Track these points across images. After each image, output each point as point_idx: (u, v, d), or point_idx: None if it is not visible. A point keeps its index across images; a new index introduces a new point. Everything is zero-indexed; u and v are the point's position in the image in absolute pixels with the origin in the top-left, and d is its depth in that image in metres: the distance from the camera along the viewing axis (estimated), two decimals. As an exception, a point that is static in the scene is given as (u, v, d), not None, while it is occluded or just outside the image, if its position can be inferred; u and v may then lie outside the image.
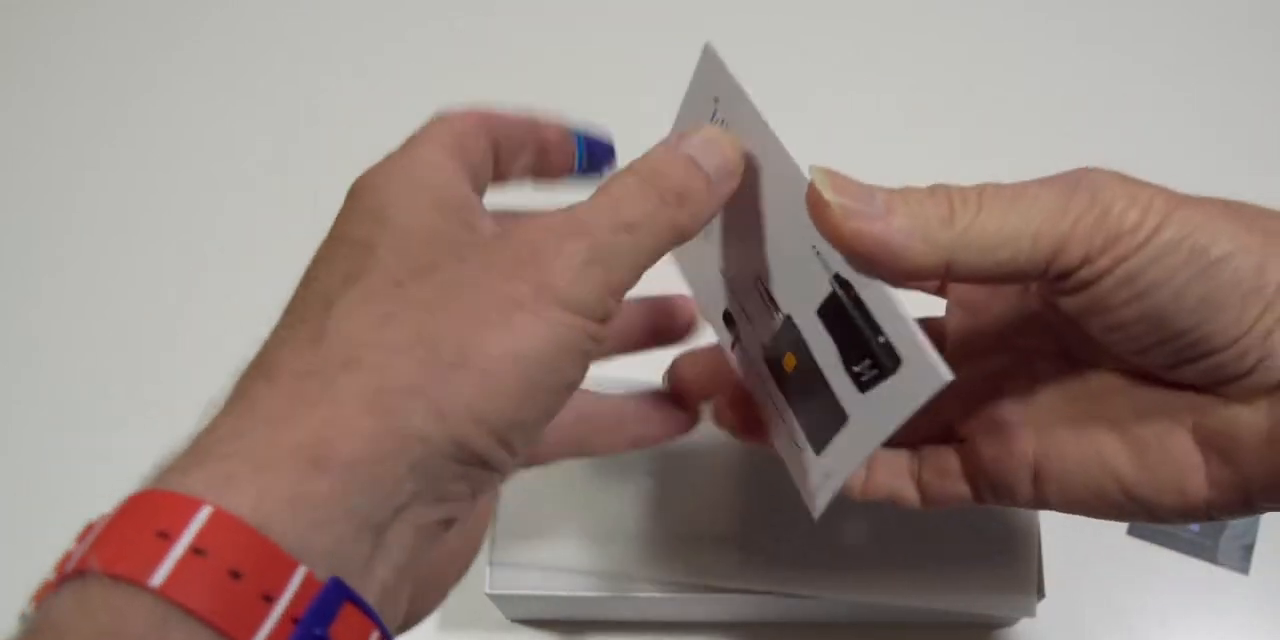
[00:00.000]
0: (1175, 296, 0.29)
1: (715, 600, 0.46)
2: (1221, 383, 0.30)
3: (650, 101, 0.66)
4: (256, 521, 0.23)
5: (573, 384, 0.28)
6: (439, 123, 0.31)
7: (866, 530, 0.46)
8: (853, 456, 0.30)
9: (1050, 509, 0.34)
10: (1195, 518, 0.32)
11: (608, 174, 0.33)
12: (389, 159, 0.30)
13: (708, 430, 0.48)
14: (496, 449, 0.26)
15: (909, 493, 0.36)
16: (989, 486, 0.34)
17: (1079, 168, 0.30)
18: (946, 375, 0.26)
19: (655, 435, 0.38)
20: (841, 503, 0.46)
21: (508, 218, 0.30)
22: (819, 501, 0.32)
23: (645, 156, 0.30)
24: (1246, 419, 0.30)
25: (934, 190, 0.30)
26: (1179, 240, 0.28)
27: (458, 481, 0.27)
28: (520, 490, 0.46)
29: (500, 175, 0.32)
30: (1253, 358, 0.29)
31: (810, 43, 0.68)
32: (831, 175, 0.30)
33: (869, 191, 0.29)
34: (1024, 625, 0.49)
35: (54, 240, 0.63)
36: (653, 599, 0.46)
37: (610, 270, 0.28)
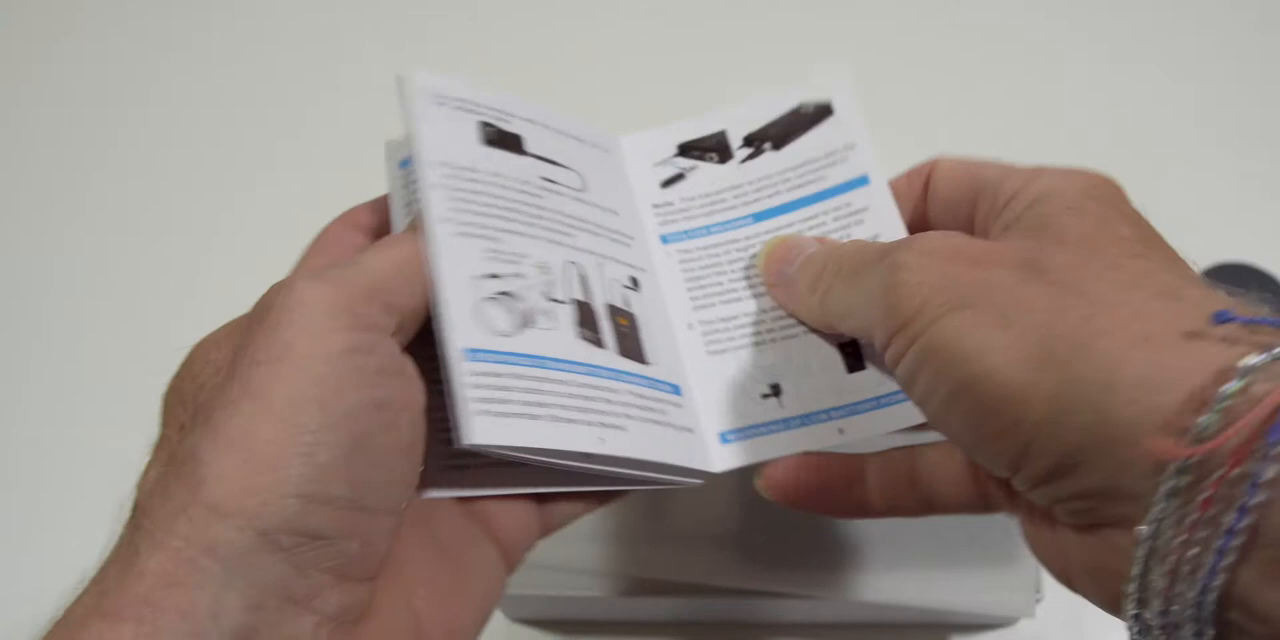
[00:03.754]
0: (946, 404, 0.26)
1: (715, 601, 0.46)
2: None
3: (647, 101, 0.67)
4: None
5: (363, 403, 0.26)
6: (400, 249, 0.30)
7: (866, 530, 0.46)
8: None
9: None
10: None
11: None
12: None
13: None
14: (308, 516, 0.25)
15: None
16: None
17: (915, 236, 0.29)
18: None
19: None
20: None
21: None
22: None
23: None
24: (1074, 545, 0.26)
25: (815, 259, 0.32)
26: (935, 348, 0.26)
27: (293, 574, 0.25)
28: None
29: None
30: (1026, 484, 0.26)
31: (811, 42, 0.68)
32: (773, 245, 0.34)
33: (790, 258, 0.33)
34: (1024, 625, 0.49)
35: (54, 240, 0.63)
36: (653, 600, 0.46)
37: None
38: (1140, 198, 0.64)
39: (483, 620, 0.31)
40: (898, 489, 0.32)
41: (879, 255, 0.29)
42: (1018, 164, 0.31)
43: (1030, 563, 0.45)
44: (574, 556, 0.46)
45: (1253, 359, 0.21)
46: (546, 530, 0.34)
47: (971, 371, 0.25)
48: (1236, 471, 0.21)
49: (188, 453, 0.25)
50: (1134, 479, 0.23)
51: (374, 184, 0.71)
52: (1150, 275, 0.25)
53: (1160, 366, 0.22)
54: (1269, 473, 0.21)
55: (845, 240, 0.34)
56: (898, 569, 0.45)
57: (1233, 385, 0.21)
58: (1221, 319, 0.23)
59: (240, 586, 0.24)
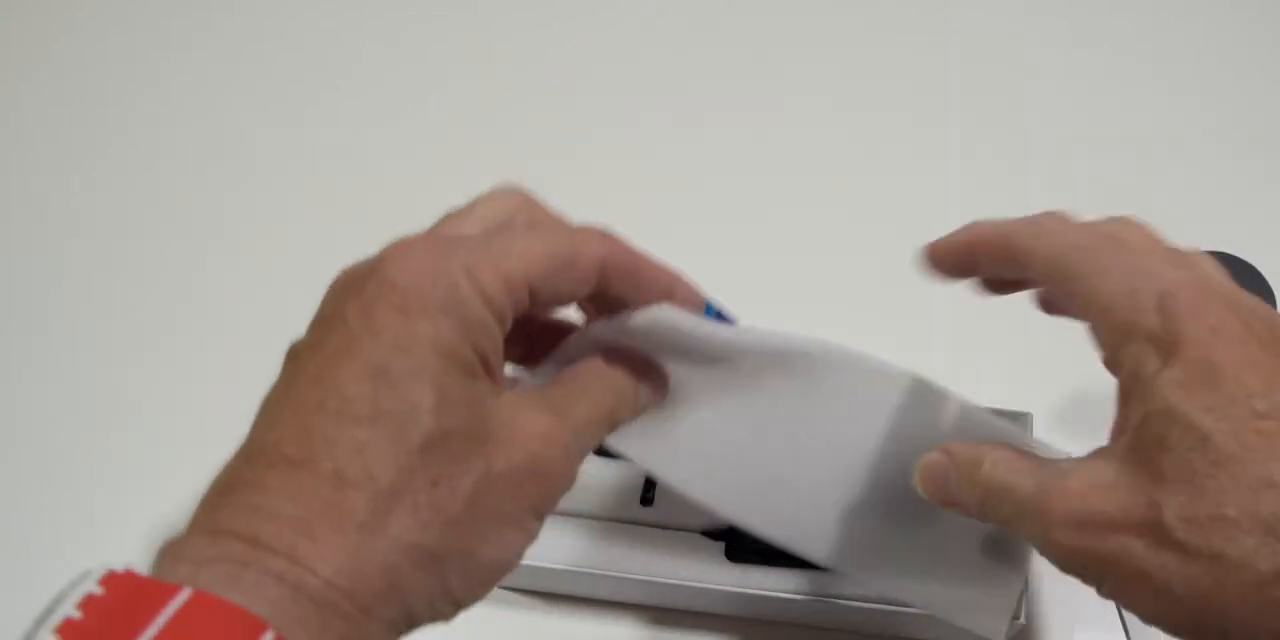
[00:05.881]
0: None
1: (703, 592, 0.47)
2: None
3: (651, 102, 0.67)
4: None
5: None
6: (563, 227, 0.33)
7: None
8: None
9: None
10: None
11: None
12: (451, 248, 0.30)
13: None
14: (441, 615, 0.29)
15: None
16: None
17: None
18: None
19: None
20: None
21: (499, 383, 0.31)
22: None
23: (631, 389, 0.34)
24: None
25: None
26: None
27: None
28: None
29: (606, 304, 0.34)
30: None
31: (811, 46, 0.68)
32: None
33: None
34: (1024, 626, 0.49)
35: (55, 239, 0.63)
36: (641, 582, 0.47)
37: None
38: (1128, 188, 0.65)
39: None
40: None
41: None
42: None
43: (1013, 590, 0.45)
44: (567, 552, 0.47)
45: None
46: None
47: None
48: None
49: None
50: None
51: (374, 183, 0.71)
52: None
53: None
54: None
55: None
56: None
57: None
58: None
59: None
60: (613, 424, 0.33)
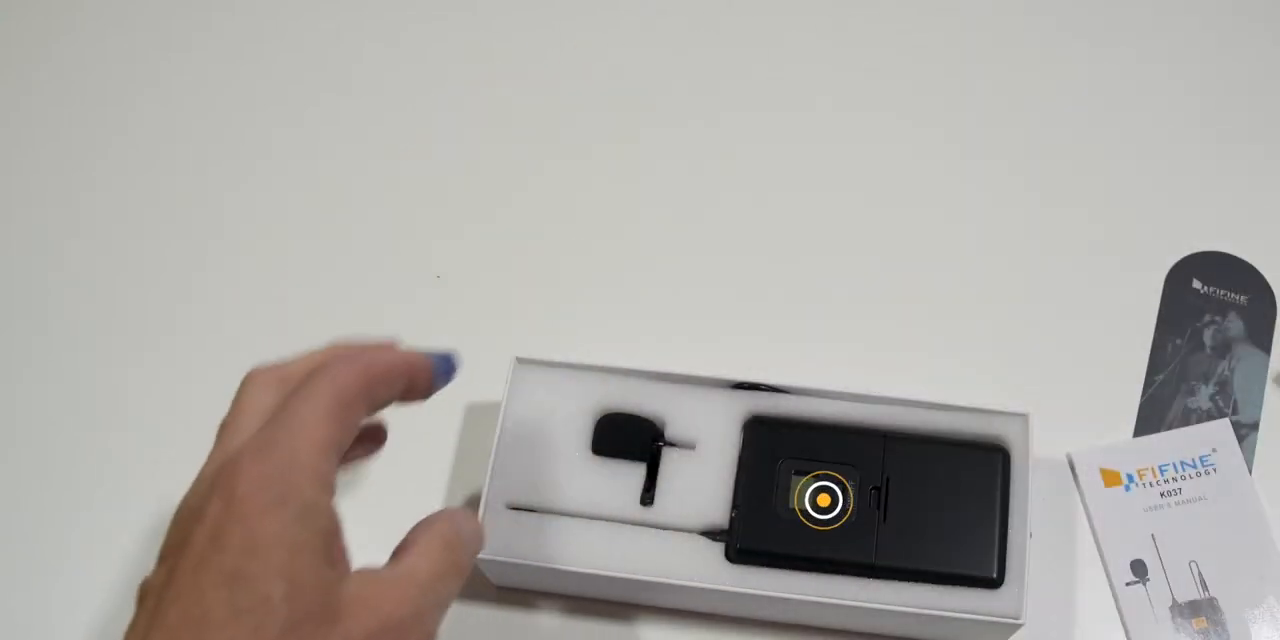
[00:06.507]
0: None
1: (703, 592, 0.47)
2: None
3: (647, 107, 0.67)
4: None
5: None
6: (323, 386, 0.33)
7: (862, 535, 0.46)
8: None
9: None
10: None
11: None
12: (264, 448, 0.31)
13: (703, 436, 0.49)
14: None
15: None
16: None
17: None
18: None
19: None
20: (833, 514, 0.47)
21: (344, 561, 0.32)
22: None
23: (455, 533, 0.35)
24: None
25: None
26: None
27: None
28: (516, 458, 0.48)
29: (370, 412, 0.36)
30: None
31: (816, 46, 0.68)
32: None
33: None
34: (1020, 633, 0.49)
35: (55, 239, 0.63)
36: (641, 582, 0.47)
37: None
38: (1123, 186, 0.64)
39: None
40: None
41: None
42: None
43: (1015, 590, 0.45)
44: (567, 552, 0.47)
45: None
46: None
47: None
48: None
49: None
50: None
51: (374, 183, 0.71)
52: None
53: None
54: None
55: None
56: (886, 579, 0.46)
57: None
58: None
59: None
60: (458, 569, 0.35)
